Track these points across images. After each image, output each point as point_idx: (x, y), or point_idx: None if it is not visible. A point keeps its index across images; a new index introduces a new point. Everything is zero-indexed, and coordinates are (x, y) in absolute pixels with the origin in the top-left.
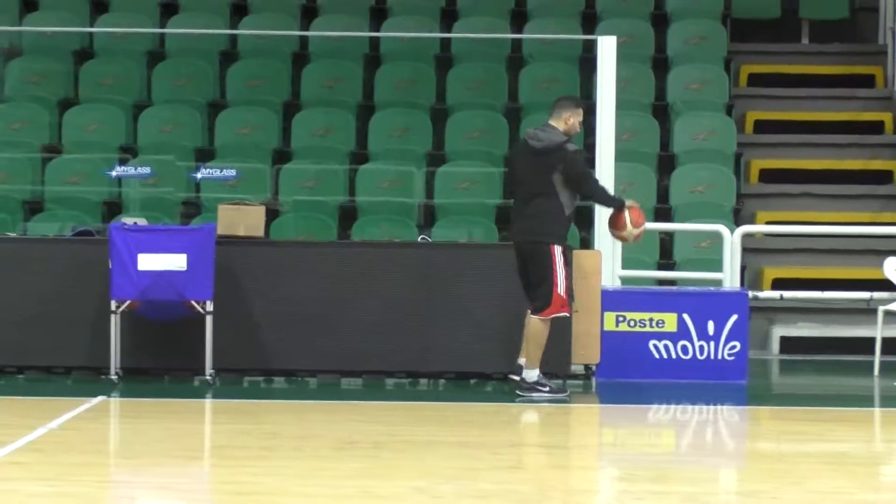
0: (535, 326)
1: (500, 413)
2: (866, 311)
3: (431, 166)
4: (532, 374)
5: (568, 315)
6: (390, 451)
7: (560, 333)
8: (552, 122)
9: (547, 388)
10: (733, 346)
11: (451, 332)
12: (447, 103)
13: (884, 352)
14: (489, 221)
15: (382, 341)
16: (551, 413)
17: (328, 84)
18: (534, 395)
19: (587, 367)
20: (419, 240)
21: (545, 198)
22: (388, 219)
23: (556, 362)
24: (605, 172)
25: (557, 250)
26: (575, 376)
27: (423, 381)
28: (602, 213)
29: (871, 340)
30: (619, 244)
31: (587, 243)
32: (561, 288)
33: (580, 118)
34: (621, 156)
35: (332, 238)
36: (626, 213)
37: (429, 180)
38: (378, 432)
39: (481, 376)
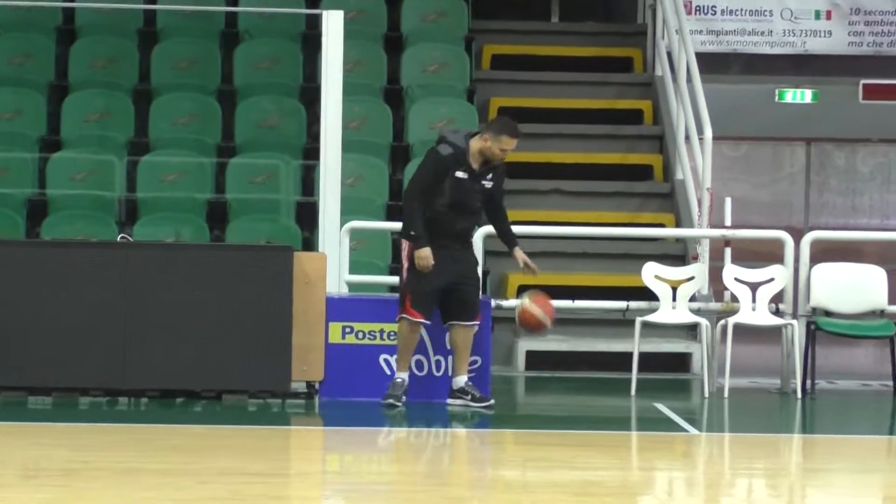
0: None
1: (210, 437)
2: (622, 323)
3: (134, 155)
4: (398, 376)
5: (413, 320)
6: (83, 479)
7: (278, 347)
8: (476, 132)
9: (389, 401)
10: (474, 361)
11: (155, 344)
12: (152, 84)
13: (641, 368)
14: (199, 219)
15: (76, 355)
16: (268, 437)
17: (15, 61)
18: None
19: (309, 384)
20: (119, 239)
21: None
22: (83, 215)
23: (273, 379)
24: (331, 165)
25: (412, 248)
26: (295, 395)
27: (123, 399)
28: (327, 211)
29: (628, 355)
30: (346, 246)
31: (310, 244)
32: (408, 287)
33: (501, 146)
34: (349, 146)
35: (20, 236)
36: (532, 306)
37: (130, 171)
38: (69, 458)
39: (189, 394)
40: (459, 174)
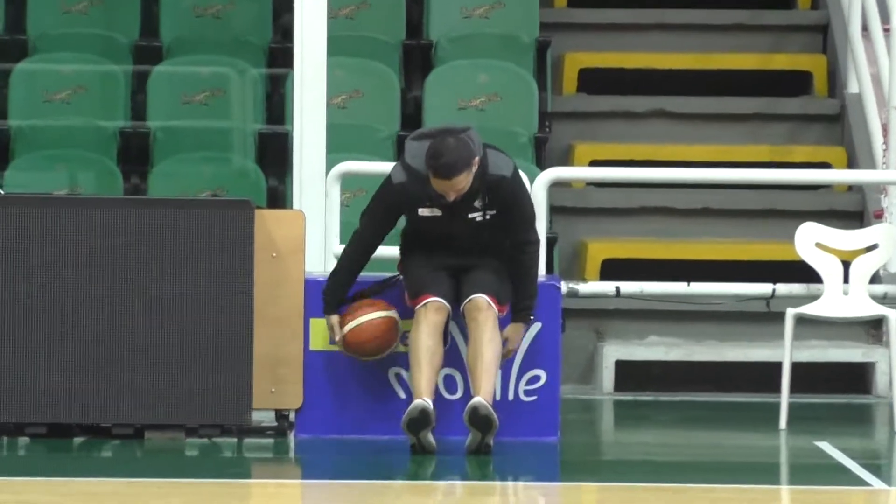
0: None
1: (126, 496)
2: (765, 318)
3: (5, 62)
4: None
5: (420, 304)
6: None
7: (231, 357)
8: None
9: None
10: (535, 378)
11: (40, 354)
12: None
13: (797, 387)
14: (108, 159)
15: None
16: (216, 497)
17: None
18: None
19: (280, 414)
20: None
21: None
22: None
23: (224, 407)
24: (310, 76)
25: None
26: (258, 431)
27: None
28: (306, 147)
29: (775, 368)
30: (336, 200)
31: (279, 197)
32: (406, 284)
33: (435, 187)
34: (343, 46)
35: None
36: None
37: (0, 86)
38: None
39: (94, 431)
40: (424, 212)
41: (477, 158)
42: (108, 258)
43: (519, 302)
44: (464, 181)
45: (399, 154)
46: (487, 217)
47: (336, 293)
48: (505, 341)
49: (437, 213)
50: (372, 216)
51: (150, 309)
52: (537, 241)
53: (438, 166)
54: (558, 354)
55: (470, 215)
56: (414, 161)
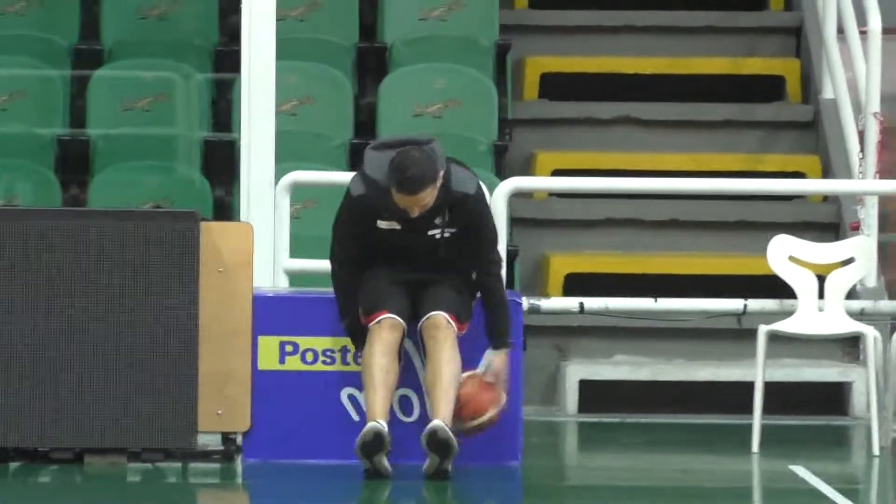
0: None
1: None
2: (737, 335)
3: None
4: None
5: (375, 321)
6: None
7: (175, 377)
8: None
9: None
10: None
11: None
12: None
13: (770, 408)
14: (45, 168)
15: None
16: None
17: None
18: None
19: (227, 438)
20: None
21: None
22: None
23: (167, 430)
24: (259, 80)
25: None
26: (204, 455)
27: None
28: (254, 155)
29: (747, 388)
30: (286, 211)
31: (226, 208)
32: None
33: (396, 200)
34: (293, 49)
35: None
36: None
37: None
38: None
39: (31, 456)
40: (382, 224)
41: (441, 173)
42: (44, 273)
43: (497, 328)
44: (428, 196)
45: (352, 163)
46: (446, 234)
47: (359, 329)
48: (489, 373)
49: (396, 226)
50: (340, 233)
51: (90, 326)
52: (501, 262)
53: (403, 180)
54: (519, 374)
55: (429, 231)
56: (374, 172)
